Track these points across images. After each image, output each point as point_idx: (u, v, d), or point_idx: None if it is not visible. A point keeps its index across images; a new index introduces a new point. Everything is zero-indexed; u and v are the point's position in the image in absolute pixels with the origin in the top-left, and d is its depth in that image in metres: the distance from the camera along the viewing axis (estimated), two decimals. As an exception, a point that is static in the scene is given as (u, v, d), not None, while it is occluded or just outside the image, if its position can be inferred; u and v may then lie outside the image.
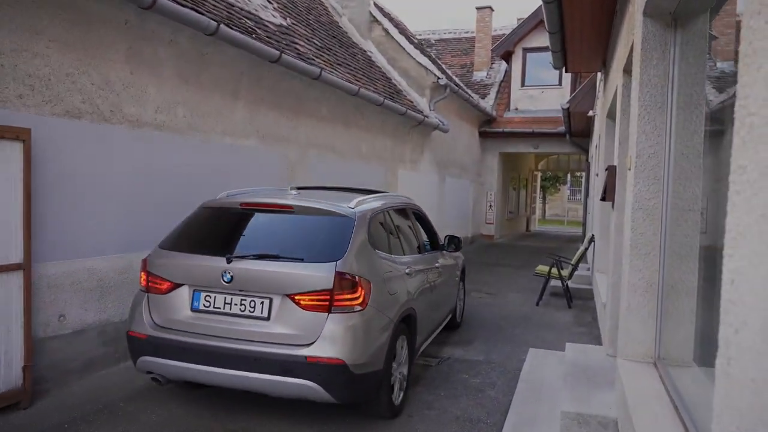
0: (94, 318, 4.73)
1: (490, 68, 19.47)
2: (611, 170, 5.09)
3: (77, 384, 4.48)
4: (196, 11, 5.24)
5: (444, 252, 5.84)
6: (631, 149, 3.60)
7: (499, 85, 18.74)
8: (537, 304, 8.49)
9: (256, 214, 4.01)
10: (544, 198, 37.10)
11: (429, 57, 14.99)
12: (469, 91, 16.50)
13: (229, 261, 3.64)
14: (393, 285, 4.01)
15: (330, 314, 3.47)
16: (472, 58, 19.85)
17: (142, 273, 3.91)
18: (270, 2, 8.34)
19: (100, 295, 4.77)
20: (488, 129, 17.67)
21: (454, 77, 16.78)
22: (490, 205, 18.26)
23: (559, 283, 8.86)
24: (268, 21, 7.39)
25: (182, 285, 3.75)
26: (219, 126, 6.09)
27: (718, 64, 3.00)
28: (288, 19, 8.48)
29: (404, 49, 12.67)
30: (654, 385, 2.99)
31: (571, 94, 14.91)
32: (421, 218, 5.65)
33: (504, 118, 18.02)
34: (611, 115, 6.85)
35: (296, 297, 3.51)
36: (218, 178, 6.07)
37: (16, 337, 3.98)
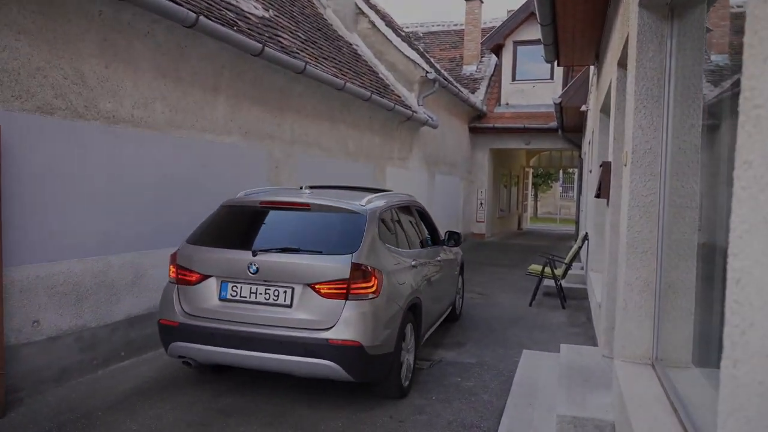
0: (70, 323, 4.66)
1: (480, 62, 19.51)
2: (606, 166, 5.10)
3: (53, 393, 4.41)
4: (174, 2, 5.18)
5: (444, 247, 6.36)
6: (627, 144, 3.61)
7: (490, 80, 18.79)
8: (530, 305, 8.52)
9: (275, 211, 4.60)
10: (536, 195, 37.29)
11: (417, 50, 14.98)
12: (459, 86, 16.52)
13: (254, 254, 4.18)
14: (401, 276, 4.59)
15: (347, 301, 4.02)
16: (461, 52, 19.89)
17: (172, 266, 4.48)
18: (252, -7, 8.28)
19: (76, 300, 4.70)
20: (478, 125, 17.71)
21: (442, 71, 16.78)
22: (481, 203, 18.31)
23: (552, 282, 8.90)
24: (249, 13, 7.33)
25: (210, 276, 4.29)
26: (199, 122, 6.03)
27: (713, 57, 3.01)
28: (270, 10, 8.42)
29: (391, 42, 12.65)
30: (652, 387, 3.00)
31: (563, 88, 14.98)
32: (423, 215, 6.26)
33: (494, 113, 18.06)
34: (605, 110, 6.88)
35: (316, 286, 4.06)
36: (199, 176, 6.01)
37: (-13, 345, 3.90)
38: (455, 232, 6.49)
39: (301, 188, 5.18)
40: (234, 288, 4.23)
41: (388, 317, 4.22)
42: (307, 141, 8.21)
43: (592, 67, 9.49)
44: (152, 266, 5.46)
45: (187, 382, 4.76)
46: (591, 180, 9.11)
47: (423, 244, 5.70)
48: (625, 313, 3.40)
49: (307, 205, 4.51)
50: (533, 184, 33.77)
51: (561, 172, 35.62)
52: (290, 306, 4.09)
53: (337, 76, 8.35)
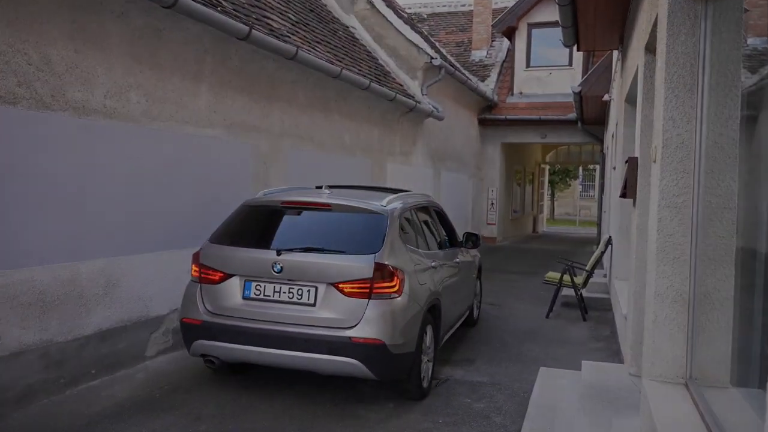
0: (34, 338, 4.64)
1: (491, 47, 19.52)
2: (632, 162, 5.10)
3: (15, 416, 4.39)
4: (152, -20, 5.17)
5: (462, 249, 6.83)
6: (656, 138, 3.60)
7: (501, 66, 18.79)
8: (547, 317, 8.51)
9: (297, 211, 5.11)
10: (552, 195, 37.27)
11: (420, 34, 14.98)
12: (467, 73, 16.51)
13: (278, 253, 4.65)
14: (421, 276, 5.06)
15: (370, 300, 4.47)
16: (470, 35, 19.89)
17: (194, 265, 4.95)
18: (237, -30, 8.27)
19: (41, 311, 4.69)
20: (489, 116, 17.71)
21: (449, 57, 16.79)
22: (492, 203, 18.31)
23: (571, 291, 8.88)
24: (235, -8, 7.32)
25: (233, 276, 4.76)
26: (179, 113, 6.02)
27: (750, 41, 3.00)
28: (258, -11, 8.42)
29: (392, 24, 12.64)
30: (686, 409, 2.99)
31: (583, 75, 14.97)
32: (441, 216, 6.73)
33: (507, 103, 18.06)
34: (631, 100, 6.87)
35: (340, 285, 4.51)
36: (178, 173, 6.00)
37: (-59, 363, 3.88)
38: (473, 234, 6.95)
39: (321, 188, 5.64)
40: (258, 287, 4.71)
41: (410, 317, 4.69)
42: (298, 134, 8.20)
43: (615, 52, 9.49)
44: (126, 274, 5.45)
45: (163, 405, 4.74)
46: (615, 178, 9.10)
47: (441, 246, 6.20)
48: (654, 327, 3.38)
49: (329, 205, 5.00)
50: (550, 182, 33.76)
51: (581, 169, 35.60)
52: (314, 305, 4.56)
53: (332, 63, 8.34)
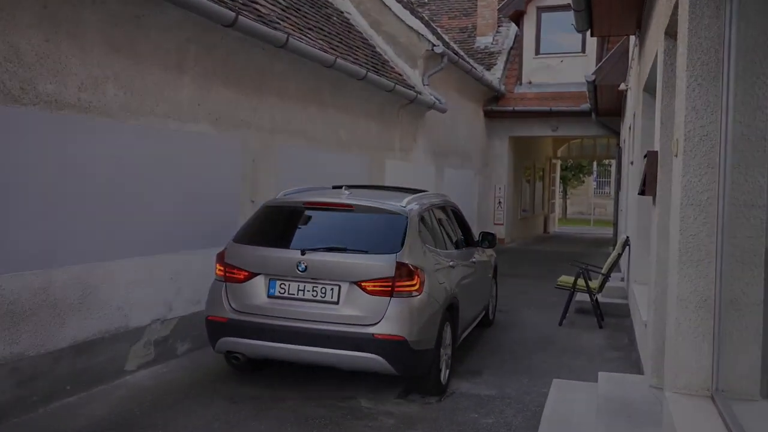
0: (3, 352, 4.62)
1: (497, 32, 19.52)
2: (651, 157, 5.09)
3: (-17, 437, 4.37)
4: (130, -38, 5.16)
5: (478, 248, 7.45)
6: (678, 130, 3.59)
7: (508, 54, 18.80)
8: (560, 324, 8.51)
9: (319, 212, 5.70)
10: (565, 192, 37.29)
11: (421, 19, 14.97)
12: (472, 61, 16.52)
13: (303, 253, 5.18)
14: (440, 276, 5.61)
15: (392, 298, 5.01)
16: (475, 21, 19.89)
17: (218, 264, 5.51)
18: (222, -49, 8.26)
19: (11, 323, 4.67)
20: (495, 108, 17.71)
21: (452, 44, 16.80)
22: (499, 202, 18.32)
23: (586, 297, 8.88)
24: (220, -25, 7.31)
25: (258, 274, 5.30)
26: (160, 107, 6.01)
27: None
28: (245, -28, 8.41)
29: (390, 9, 12.64)
30: (712, 423, 2.98)
31: (597, 63, 14.98)
32: (458, 215, 7.37)
33: (515, 94, 18.06)
34: (650, 89, 6.87)
35: (362, 284, 5.05)
36: (161, 173, 5.99)
37: None
38: (490, 233, 7.51)
39: (340, 188, 6.14)
40: (282, 285, 5.24)
41: (430, 314, 5.22)
42: (289, 129, 8.19)
43: (632, 38, 9.48)
44: (105, 281, 5.43)
45: (144, 423, 4.73)
46: (633, 173, 9.09)
47: (458, 245, 6.78)
48: (677, 335, 3.38)
49: (351, 206, 5.56)
50: (561, 178, 33.77)
51: (595, 164, 35.64)
52: (337, 303, 5.10)
53: (325, 51, 8.33)
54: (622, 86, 11.28)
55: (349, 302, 5.07)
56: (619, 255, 8.98)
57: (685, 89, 3.36)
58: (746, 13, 3.12)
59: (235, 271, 5.38)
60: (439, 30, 17.31)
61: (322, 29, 9.46)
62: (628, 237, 9.00)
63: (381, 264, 5.08)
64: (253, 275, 5.31)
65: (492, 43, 19.19)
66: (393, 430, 4.72)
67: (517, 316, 9.06)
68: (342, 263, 5.19)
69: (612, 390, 4.67)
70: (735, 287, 3.13)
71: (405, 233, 5.29)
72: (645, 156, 5.36)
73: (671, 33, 4.55)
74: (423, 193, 6.59)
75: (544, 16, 18.17)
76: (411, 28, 12.56)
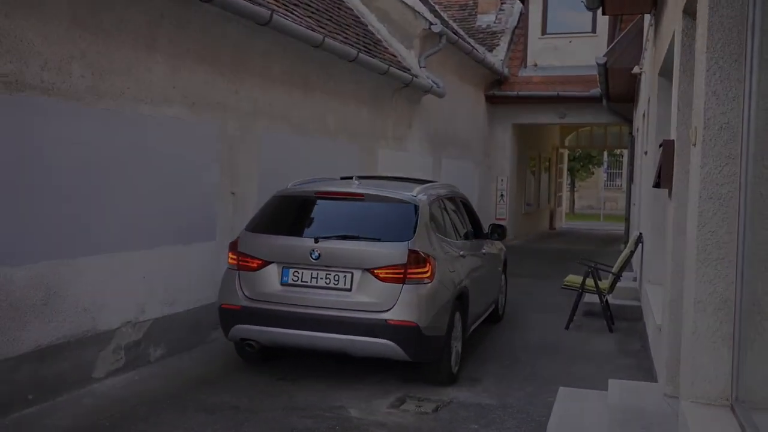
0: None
1: (500, 10, 19.51)
2: (667, 146, 5.11)
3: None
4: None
5: (488, 241, 7.97)
6: (696, 118, 3.59)
7: (512, 34, 18.79)
8: (567, 328, 8.54)
9: (330, 201, 6.30)
10: (572, 185, 37.39)
11: (418, -5, 14.92)
12: (472, 42, 16.49)
13: (316, 241, 5.72)
14: (451, 264, 6.17)
15: (404, 285, 5.52)
16: (476, -3, 19.87)
17: (231, 253, 6.07)
18: None
19: (-34, 326, 4.64)
20: (498, 93, 17.71)
21: (451, 23, 16.77)
22: (502, 195, 18.34)
23: (595, 298, 8.90)
24: (197, -56, 7.26)
25: (271, 263, 5.85)
26: (131, 89, 5.97)
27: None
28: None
29: (384, -17, 12.60)
30: (731, 436, 2.99)
31: (609, 44, 15.00)
32: (467, 207, 7.92)
33: (519, 77, 18.07)
34: (666, 73, 6.88)
35: (375, 271, 5.58)
36: (132, 160, 5.96)
37: None
38: (499, 225, 8.12)
39: (350, 178, 6.80)
40: (295, 273, 5.78)
41: (441, 302, 5.76)
42: (272, 114, 8.17)
43: (647, 16, 9.49)
44: (71, 280, 5.40)
45: (116, 434, 4.72)
46: (647, 165, 9.12)
47: (467, 236, 7.33)
48: (694, 340, 3.39)
49: (362, 195, 6.16)
50: (569, 170, 33.86)
51: (606, 154, 35.74)
52: (350, 290, 5.64)
53: (313, 29, 8.30)
54: (636, 70, 11.29)
55: (362, 289, 5.60)
56: (632, 253, 9.00)
57: (705, 73, 3.36)
58: (772, -11, 3.12)
59: (248, 259, 5.91)
60: (437, 7, 17.27)
61: (309, 5, 9.42)
62: (641, 233, 9.02)
63: (393, 251, 5.62)
64: (266, 263, 5.85)
65: (494, 22, 19.17)
66: (385, 443, 4.73)
67: (520, 318, 9.08)
68: (355, 251, 5.77)
69: (623, 399, 4.69)
70: (757, 288, 3.13)
71: (416, 221, 5.84)
72: (660, 146, 5.37)
73: (690, 11, 4.56)
74: (433, 184, 7.24)
75: (552, -8, 18.15)
76: (406, 4, 12.53)
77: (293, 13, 8.30)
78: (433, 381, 5.91)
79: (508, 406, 5.57)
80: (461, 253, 6.60)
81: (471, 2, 19.94)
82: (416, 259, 5.58)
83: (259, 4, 7.17)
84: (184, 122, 6.65)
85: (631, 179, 15.68)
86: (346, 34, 10.06)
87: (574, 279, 8.96)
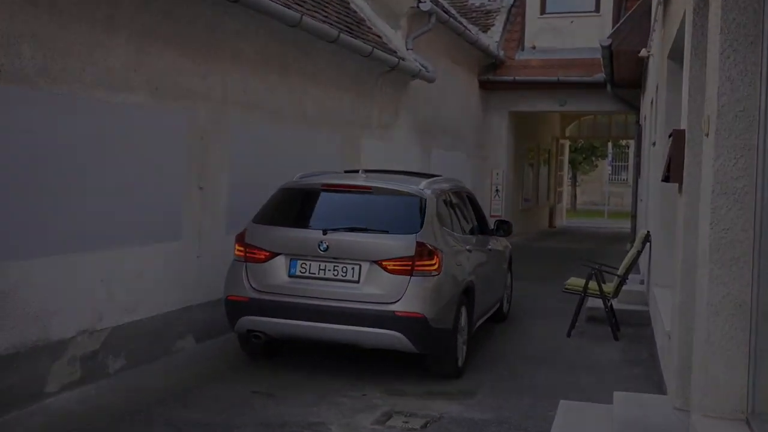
0: None
1: (495, -13, 19.53)
2: (678, 137, 5.12)
3: None
4: None
5: (494, 237, 8.54)
6: (709, 105, 3.60)
7: (509, 13, 18.81)
8: (568, 335, 8.55)
9: (337, 194, 6.85)
10: (574, 179, 37.56)
11: (405, -30, 14.91)
12: (465, 21, 16.50)
13: (325, 233, 6.20)
14: (457, 258, 6.73)
15: (412, 277, 6.04)
16: (469, -27, 19.88)
17: (238, 245, 6.55)
18: None
19: None
20: (493, 77, 17.73)
21: (441, 0, 16.75)
22: (497, 190, 18.37)
23: (599, 302, 8.93)
24: None
25: (279, 254, 6.34)
26: (88, 73, 5.92)
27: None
28: None
29: (368, -43, 12.57)
30: (747, 453, 3.01)
31: (614, 25, 15.05)
32: (473, 202, 8.52)
33: (516, 61, 18.10)
34: (676, 56, 6.91)
35: (383, 263, 6.10)
36: (90, 152, 5.91)
37: None
38: (505, 221, 8.69)
39: (357, 172, 7.40)
40: (303, 265, 6.28)
41: (448, 295, 6.31)
42: (245, 101, 8.13)
43: (655, -5, 9.52)
44: (19, 284, 5.35)
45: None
46: (655, 156, 9.15)
47: (473, 232, 7.91)
48: (707, 347, 3.40)
49: (369, 188, 6.68)
50: (571, 162, 34.01)
51: (610, 145, 35.91)
52: (358, 281, 6.15)
53: (289, 6, 8.27)
54: (644, 53, 11.33)
55: (370, 281, 6.11)
56: (639, 253, 9.03)
57: (719, 56, 3.36)
58: (791, -35, 3.13)
59: (255, 251, 6.40)
60: (426, -17, 17.25)
61: (285, -19, 9.39)
62: (648, 232, 9.06)
63: (401, 244, 6.13)
64: (273, 255, 6.34)
65: (489, 1, 19.19)
66: (370, 463, 4.72)
67: (518, 324, 9.10)
68: (363, 243, 6.30)
69: (630, 413, 4.70)
70: (775, 291, 3.15)
71: (424, 214, 6.38)
72: (670, 136, 5.39)
73: (702, -11, 4.57)
74: (438, 178, 7.77)
75: (552, -32, 18.20)
76: (392, -20, 12.51)
77: (268, -10, 8.26)
78: (439, 374, 6.41)
79: (504, 420, 5.55)
80: (467, 247, 7.13)
81: (463, -22, 19.96)
82: (424, 251, 6.07)
83: (230, -21, 7.14)
84: (147, 110, 6.60)
85: (637, 173, 15.76)
86: (326, 12, 10.03)
87: (576, 282, 8.98)
